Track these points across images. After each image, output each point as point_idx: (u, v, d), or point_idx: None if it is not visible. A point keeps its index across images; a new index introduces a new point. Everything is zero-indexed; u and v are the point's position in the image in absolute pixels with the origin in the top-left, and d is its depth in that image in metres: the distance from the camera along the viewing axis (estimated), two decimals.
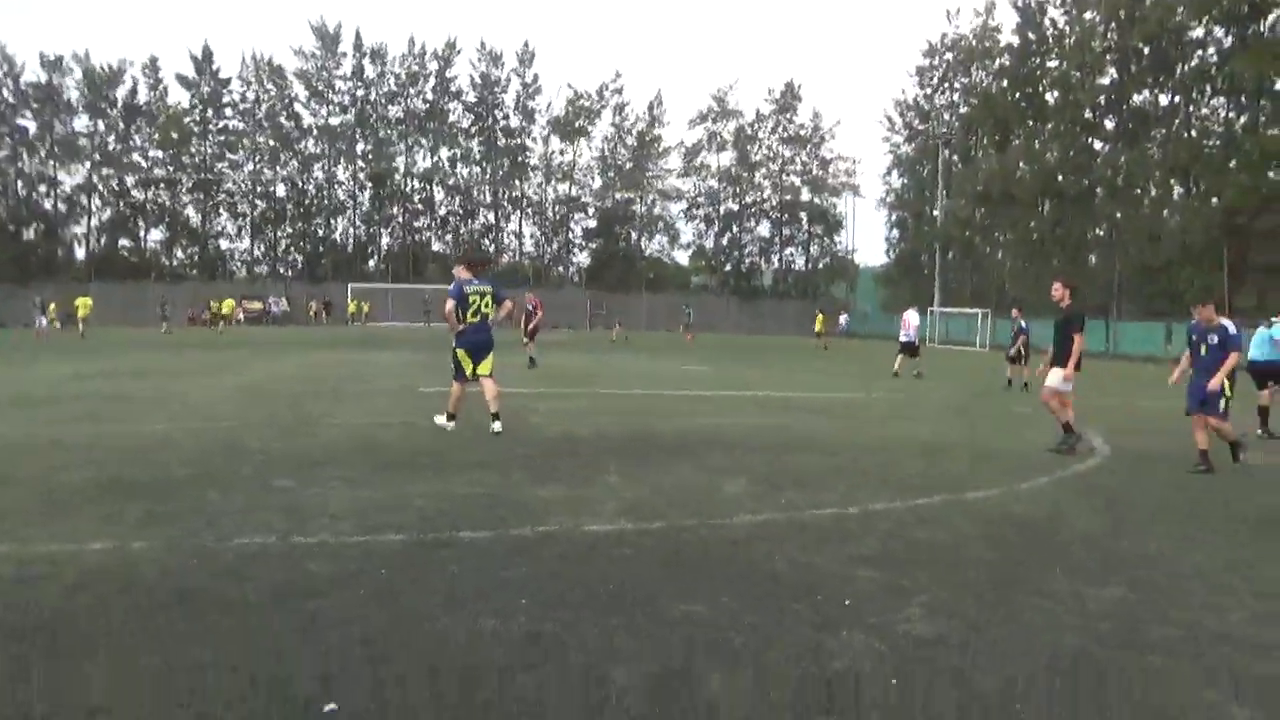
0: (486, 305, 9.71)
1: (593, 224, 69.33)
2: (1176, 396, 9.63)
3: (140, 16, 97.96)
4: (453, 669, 3.44)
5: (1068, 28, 47.72)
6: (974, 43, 58.86)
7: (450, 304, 9.56)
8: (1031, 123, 49.55)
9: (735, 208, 69.60)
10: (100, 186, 60.87)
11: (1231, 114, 41.30)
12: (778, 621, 4.05)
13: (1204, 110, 42.91)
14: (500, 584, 4.47)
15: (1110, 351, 38.29)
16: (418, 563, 4.83)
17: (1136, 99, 44.70)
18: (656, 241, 70.77)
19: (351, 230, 67.18)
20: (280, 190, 64.57)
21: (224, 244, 65.64)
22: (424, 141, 65.83)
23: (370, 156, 64.75)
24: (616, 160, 67.76)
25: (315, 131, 64.29)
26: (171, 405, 12.07)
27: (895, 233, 67.04)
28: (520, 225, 69.22)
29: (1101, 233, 46.13)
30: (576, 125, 66.40)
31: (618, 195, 68.18)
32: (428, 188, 67.16)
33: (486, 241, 67.22)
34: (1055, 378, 9.73)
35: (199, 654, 3.52)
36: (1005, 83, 52.03)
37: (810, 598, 4.40)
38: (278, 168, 64.15)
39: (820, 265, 70.44)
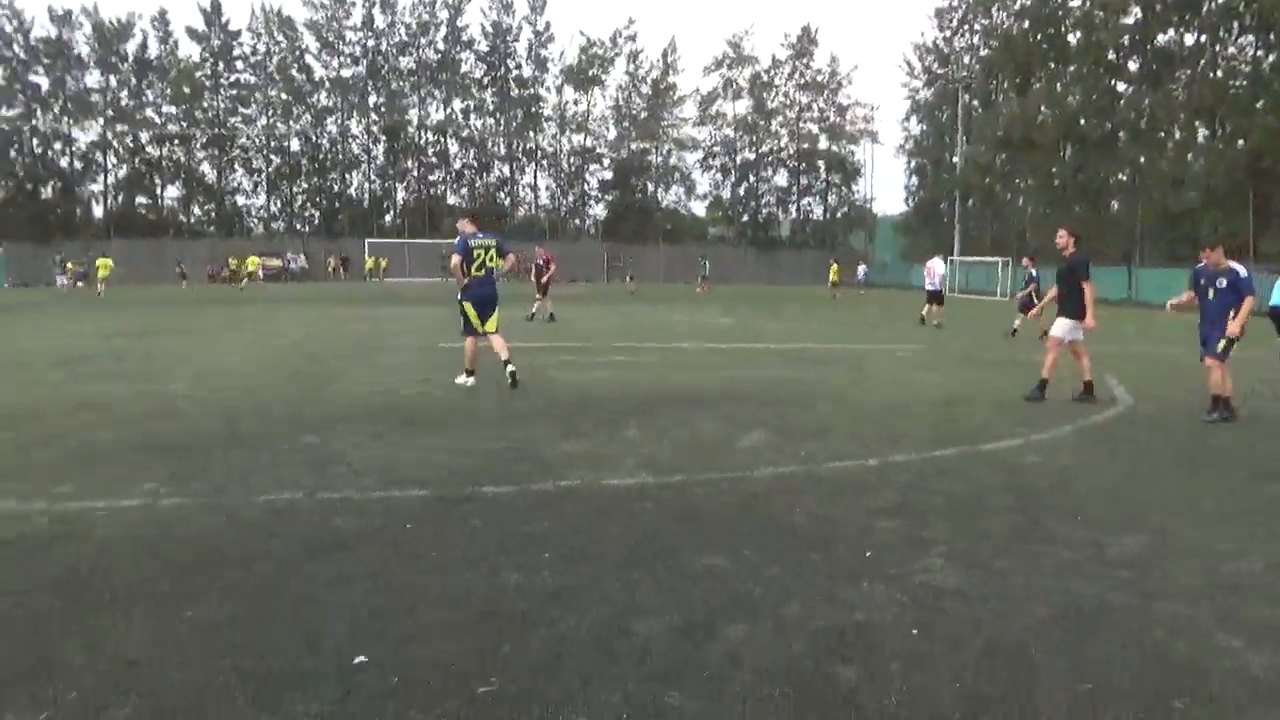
0: (491, 259, 9.92)
1: (608, 175, 68.71)
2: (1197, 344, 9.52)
3: None
4: (477, 621, 3.51)
5: None
6: None
7: (456, 258, 9.84)
8: (1053, 65, 48.32)
9: (752, 157, 68.75)
10: (115, 143, 60.82)
11: (1260, 52, 40.14)
12: (797, 573, 4.09)
13: (1230, 49, 41.69)
14: (523, 538, 4.54)
15: (1132, 299, 37.83)
16: (441, 517, 4.90)
17: (1161, 38, 43.48)
18: (673, 193, 70.27)
19: (367, 185, 66.89)
20: (294, 145, 64.29)
21: (240, 200, 65.67)
22: (436, 93, 65.15)
23: (383, 109, 64.20)
24: (631, 110, 66.94)
25: (327, 84, 63.75)
26: (197, 363, 12.23)
27: (914, 180, 66.20)
28: (535, 178, 68.82)
29: (1124, 177, 45.27)
30: (590, 74, 65.53)
31: (633, 146, 67.49)
32: (442, 140, 66.52)
33: (502, 195, 66.93)
34: (1062, 327, 9.63)
35: (231, 608, 3.61)
36: (1026, 24, 50.63)
37: (830, 550, 4.44)
38: (291, 122, 63.79)
39: (838, 215, 69.75)
